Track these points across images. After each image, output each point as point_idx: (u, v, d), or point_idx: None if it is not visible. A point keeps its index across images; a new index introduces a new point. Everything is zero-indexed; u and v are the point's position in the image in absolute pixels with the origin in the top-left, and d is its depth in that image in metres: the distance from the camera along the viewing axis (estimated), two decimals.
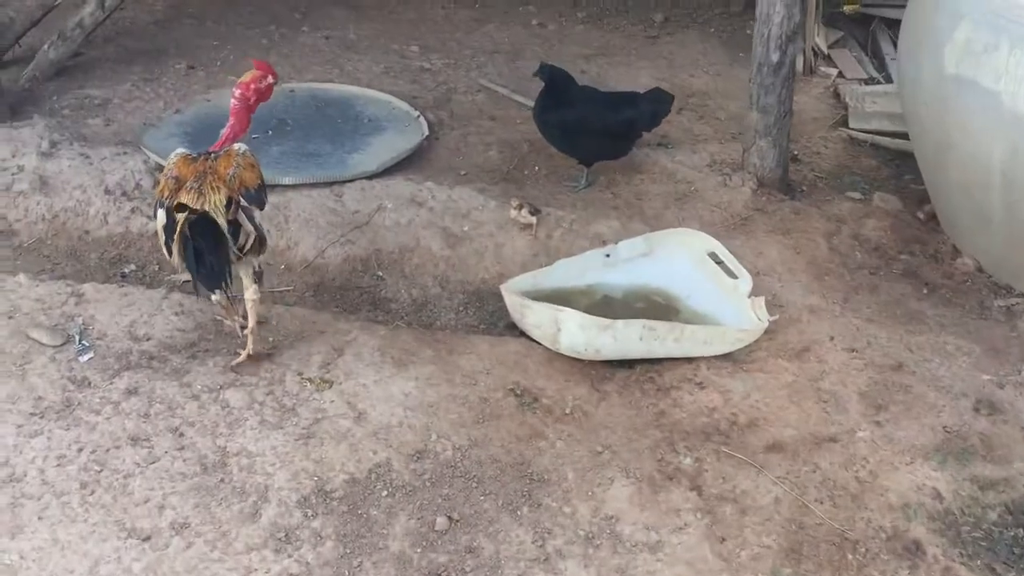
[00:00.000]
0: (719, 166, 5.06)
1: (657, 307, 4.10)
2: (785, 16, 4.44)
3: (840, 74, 6.31)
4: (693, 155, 5.16)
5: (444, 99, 5.87)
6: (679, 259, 4.14)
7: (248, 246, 3.64)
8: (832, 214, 4.67)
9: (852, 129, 5.60)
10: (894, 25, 6.90)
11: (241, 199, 3.55)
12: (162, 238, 3.55)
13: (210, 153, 3.66)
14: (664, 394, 3.62)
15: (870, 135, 5.54)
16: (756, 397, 3.60)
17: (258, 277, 3.73)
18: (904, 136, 5.56)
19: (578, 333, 3.63)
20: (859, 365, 3.74)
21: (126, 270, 4.45)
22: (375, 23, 7.07)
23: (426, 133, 5.30)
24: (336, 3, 7.40)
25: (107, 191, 4.72)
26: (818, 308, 4.06)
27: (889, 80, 6.20)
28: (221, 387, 3.57)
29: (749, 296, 3.88)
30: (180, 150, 3.69)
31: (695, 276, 4.09)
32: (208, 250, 3.42)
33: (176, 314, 3.94)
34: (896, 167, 5.32)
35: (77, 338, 3.78)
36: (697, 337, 3.69)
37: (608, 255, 4.18)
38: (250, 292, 3.69)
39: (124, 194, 4.72)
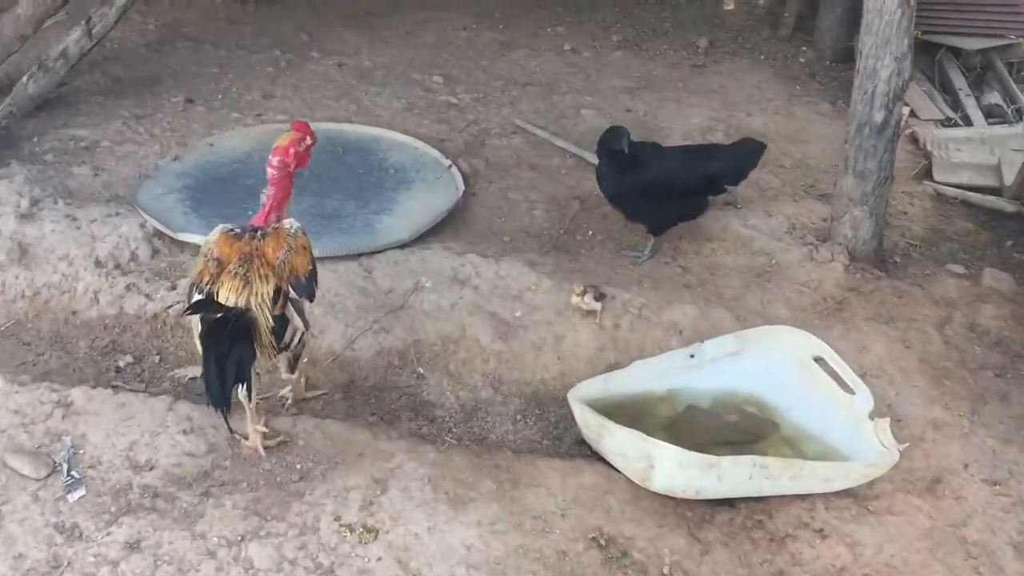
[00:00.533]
0: (800, 232, 4.44)
1: (751, 420, 3.49)
2: (894, 71, 3.82)
3: (913, 113, 5.70)
4: (768, 218, 4.53)
5: (477, 143, 5.22)
6: (776, 361, 3.52)
7: (294, 343, 3.17)
8: (939, 296, 4.06)
9: (939, 183, 4.99)
10: (961, 55, 6.33)
11: (291, 290, 3.07)
12: (197, 330, 3.05)
13: (256, 229, 3.14)
14: (779, 546, 3.01)
15: (960, 190, 4.94)
16: (891, 551, 2.99)
17: (293, 361, 3.30)
18: (997, 192, 4.98)
19: (676, 472, 3.01)
20: (1005, 504, 3.15)
21: (121, 363, 3.79)
22: (391, 47, 6.40)
23: (461, 189, 4.65)
24: (347, 24, 6.72)
25: (98, 263, 4.05)
26: (943, 423, 3.46)
27: (967, 121, 5.60)
28: (243, 538, 2.93)
29: (870, 416, 3.26)
30: (222, 226, 3.17)
31: (797, 383, 3.47)
32: (219, 362, 2.93)
33: (184, 432, 3.29)
34: (994, 230, 4.72)
35: (65, 468, 3.13)
36: (817, 474, 3.08)
37: (692, 355, 3.56)
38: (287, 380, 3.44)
39: (118, 267, 4.06)
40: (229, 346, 2.93)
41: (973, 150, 5.17)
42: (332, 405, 3.60)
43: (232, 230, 3.14)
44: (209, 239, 3.14)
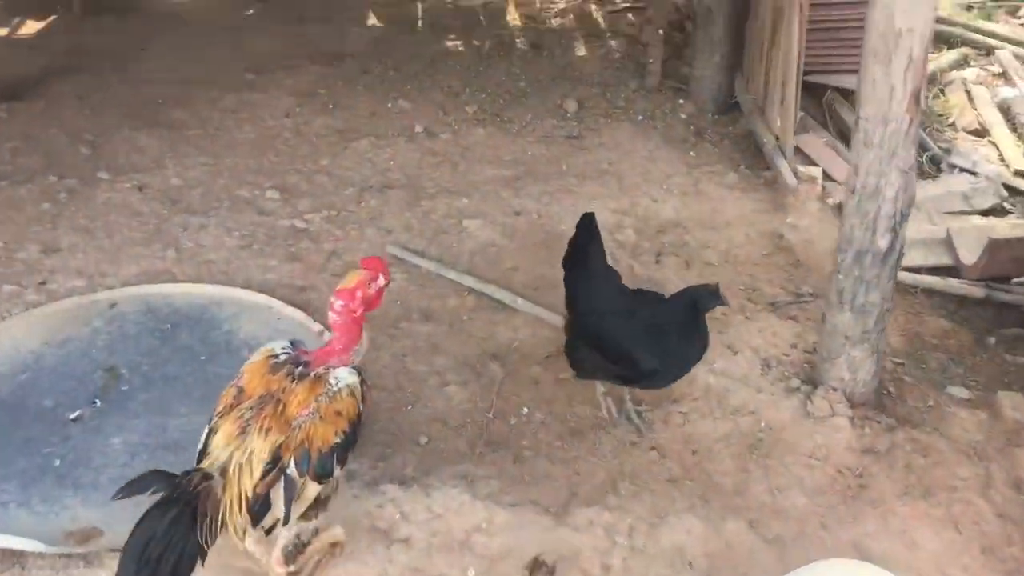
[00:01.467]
0: (777, 372, 3.63)
1: None
2: (901, 188, 3.05)
3: (826, 174, 5.05)
4: (734, 356, 3.69)
5: None
6: None
7: (274, 530, 2.51)
8: (964, 443, 3.35)
9: None
10: (851, 96, 5.75)
11: (292, 464, 2.43)
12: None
13: (300, 363, 2.59)
14: None
15: (915, 276, 4.29)
16: None
17: (293, 552, 2.62)
18: (955, 273, 4.38)
19: None
20: None
21: None
22: (202, 153, 5.11)
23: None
24: (136, 123, 5.37)
25: None
26: None
27: None
28: None
29: None
30: (273, 345, 2.66)
31: None
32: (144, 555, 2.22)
33: None
34: (969, 324, 4.09)
35: None
36: None
37: None
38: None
39: None
40: (167, 536, 2.25)
41: (912, 221, 4.55)
42: None
43: (276, 356, 2.59)
44: (252, 357, 2.64)
